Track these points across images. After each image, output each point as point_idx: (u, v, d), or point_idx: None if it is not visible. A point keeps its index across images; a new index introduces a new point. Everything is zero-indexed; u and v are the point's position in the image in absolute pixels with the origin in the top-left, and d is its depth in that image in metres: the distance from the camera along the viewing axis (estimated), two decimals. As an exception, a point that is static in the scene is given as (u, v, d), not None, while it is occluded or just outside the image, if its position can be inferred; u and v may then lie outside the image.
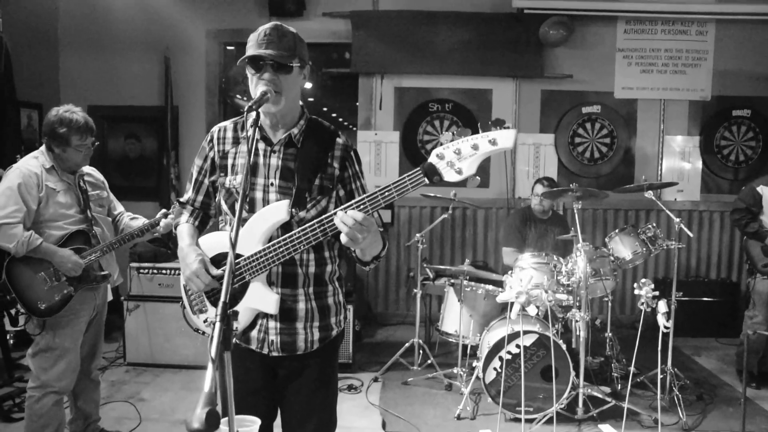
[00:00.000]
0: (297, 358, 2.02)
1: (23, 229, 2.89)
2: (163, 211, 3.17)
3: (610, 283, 4.21)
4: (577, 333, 3.94)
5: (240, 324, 1.98)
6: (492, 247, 5.96)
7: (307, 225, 1.83)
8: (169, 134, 5.84)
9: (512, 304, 3.36)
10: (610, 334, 4.52)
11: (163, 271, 4.72)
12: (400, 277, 6.04)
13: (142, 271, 4.72)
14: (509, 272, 4.29)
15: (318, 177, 1.97)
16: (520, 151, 5.90)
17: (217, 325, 1.27)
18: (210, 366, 1.22)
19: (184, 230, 2.12)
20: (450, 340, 4.54)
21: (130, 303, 4.69)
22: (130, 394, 4.23)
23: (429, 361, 4.59)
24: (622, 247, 4.30)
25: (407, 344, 4.66)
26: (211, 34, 5.98)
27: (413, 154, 5.91)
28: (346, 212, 1.73)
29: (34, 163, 2.99)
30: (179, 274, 4.52)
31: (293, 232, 1.84)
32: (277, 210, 1.90)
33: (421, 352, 4.69)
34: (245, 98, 6.01)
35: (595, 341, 4.50)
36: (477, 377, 3.88)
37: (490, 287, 4.39)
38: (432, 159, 1.71)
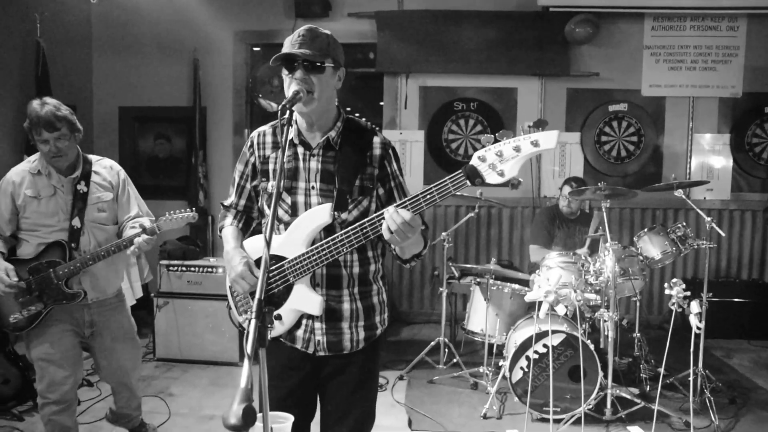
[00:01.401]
0: (342, 357, 2.05)
1: None
2: (139, 231, 2.82)
3: (639, 283, 4.17)
4: (605, 333, 3.90)
5: (285, 324, 2.01)
6: (517, 246, 5.93)
7: (349, 228, 1.85)
8: (197, 134, 5.92)
9: (540, 303, 3.37)
10: (638, 335, 4.46)
11: (192, 269, 4.79)
12: (425, 276, 6.04)
13: (171, 268, 4.80)
14: (536, 271, 4.26)
15: (358, 178, 1.98)
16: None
17: (253, 322, 1.30)
18: (246, 362, 1.24)
19: (228, 233, 2.16)
20: (475, 339, 4.53)
21: (160, 300, 4.77)
22: (160, 389, 4.31)
23: (454, 360, 4.58)
24: (651, 247, 4.25)
25: (432, 343, 4.66)
26: (239, 36, 6.05)
27: (438, 153, 5.91)
28: (390, 213, 1.74)
29: (21, 168, 2.89)
30: (208, 272, 4.75)
31: (336, 234, 1.87)
32: (320, 213, 1.92)
33: (446, 350, 4.69)
34: (267, 100, 6.07)
35: (622, 341, 4.45)
36: (503, 377, 3.87)
37: (516, 286, 4.37)
38: (473, 161, 1.71)
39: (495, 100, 5.87)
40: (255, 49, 6.28)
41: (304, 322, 2.02)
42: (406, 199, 1.78)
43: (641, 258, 4.20)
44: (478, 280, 4.48)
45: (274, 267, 1.98)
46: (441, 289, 4.73)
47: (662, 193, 4.89)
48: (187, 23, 5.95)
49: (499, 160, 1.68)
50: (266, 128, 2.12)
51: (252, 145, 2.10)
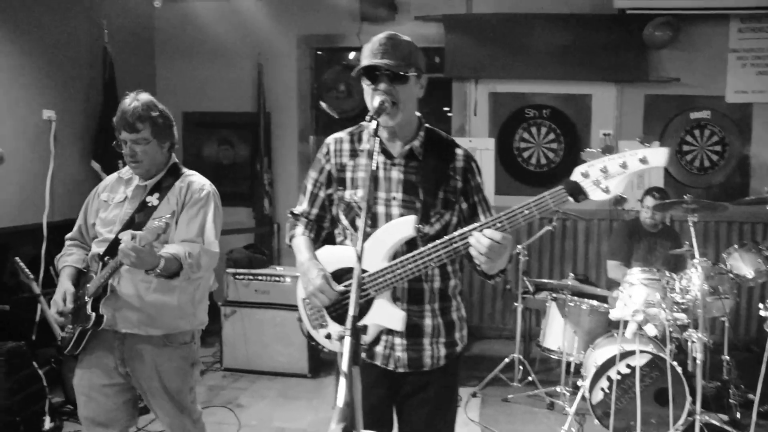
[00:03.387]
0: (422, 374, 1.99)
1: (78, 248, 2.59)
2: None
3: (729, 303, 3.93)
4: (693, 355, 3.71)
5: (364, 340, 1.94)
6: (593, 260, 5.70)
7: (438, 242, 1.78)
8: (262, 140, 5.91)
9: (625, 322, 3.21)
10: (727, 357, 4.22)
11: (259, 278, 4.76)
12: (497, 290, 5.86)
13: (238, 277, 4.78)
14: (619, 288, 4.08)
15: (441, 190, 1.93)
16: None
17: (347, 339, 1.24)
18: (342, 380, 1.20)
19: (301, 243, 2.08)
20: (552, 356, 4.37)
21: (227, 309, 4.75)
22: (228, 399, 4.28)
23: (530, 378, 4.43)
24: (743, 264, 4.00)
25: (507, 359, 4.52)
26: (303, 40, 6.01)
27: (509, 161, 5.74)
28: (482, 231, 1.69)
29: (118, 171, 2.64)
30: (275, 281, 4.70)
31: (422, 249, 1.80)
32: (404, 225, 1.85)
33: (521, 368, 4.53)
34: (331, 107, 6.01)
35: (709, 364, 4.21)
36: (583, 397, 3.71)
37: (595, 303, 4.20)
38: (575, 177, 1.66)
39: (568, 106, 5.66)
40: (319, 53, 6.24)
41: (383, 338, 1.97)
42: (501, 214, 1.71)
43: (732, 276, 3.97)
44: (555, 295, 4.33)
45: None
46: (516, 304, 4.58)
47: (750, 207, 4.60)
48: (251, 28, 5.95)
49: (603, 176, 1.63)
50: (343, 135, 2.05)
51: (328, 152, 2.05)
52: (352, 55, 6.30)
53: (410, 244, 1.87)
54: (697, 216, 3.85)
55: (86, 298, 2.39)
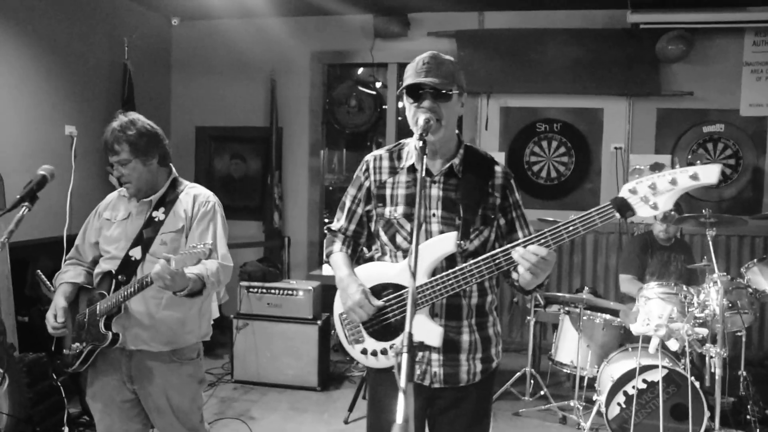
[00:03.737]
0: (457, 390, 1.99)
1: (74, 265, 2.58)
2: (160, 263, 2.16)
3: (748, 317, 3.90)
4: (712, 370, 3.67)
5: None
6: (602, 273, 5.66)
7: (481, 259, 1.80)
8: (274, 155, 5.93)
9: (638, 336, 3.17)
10: (744, 373, 4.16)
11: (272, 291, 4.75)
12: (504, 303, 5.83)
13: (251, 290, 4.77)
14: (633, 301, 4.05)
15: (481, 207, 1.95)
16: (633, 174, 5.59)
17: (405, 356, 1.25)
18: (401, 396, 1.19)
19: (339, 259, 2.12)
20: (564, 370, 4.33)
21: (239, 321, 4.74)
22: (240, 411, 4.26)
23: (542, 393, 4.38)
24: (762, 279, 3.96)
25: (518, 373, 4.47)
26: (316, 56, 6.06)
27: (519, 175, 5.68)
28: (526, 248, 1.71)
29: (118, 189, 2.63)
30: (288, 294, 4.68)
31: (464, 265, 1.83)
32: (445, 241, 1.87)
33: (532, 382, 4.49)
34: (339, 124, 6.04)
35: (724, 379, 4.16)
36: (598, 412, 3.68)
37: (608, 317, 4.17)
38: (623, 194, 1.67)
39: (580, 120, 5.66)
40: (331, 68, 6.28)
41: (420, 353, 1.97)
42: (546, 230, 1.72)
43: (750, 290, 3.93)
44: (568, 309, 4.29)
45: (392, 296, 1.96)
46: (528, 318, 4.54)
47: (765, 221, 4.56)
48: (265, 44, 6.01)
49: (652, 193, 1.64)
50: (382, 152, 2.09)
51: (367, 169, 2.08)
52: (360, 70, 6.35)
53: (449, 260, 1.89)
54: (715, 230, 3.84)
55: (97, 317, 2.37)
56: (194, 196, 2.51)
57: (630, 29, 5.30)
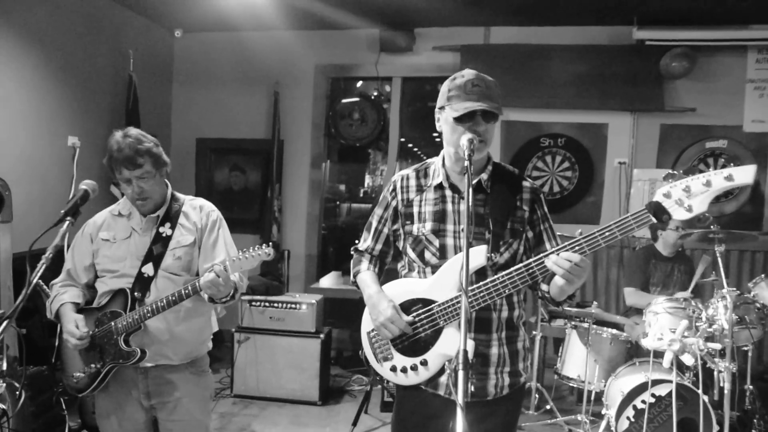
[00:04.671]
0: (485, 404, 1.98)
1: (71, 287, 2.51)
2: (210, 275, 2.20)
3: (756, 332, 3.90)
4: (720, 384, 3.67)
5: (430, 370, 1.95)
6: (602, 286, 5.64)
7: (513, 269, 1.81)
8: (274, 167, 5.89)
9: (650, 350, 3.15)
10: (750, 387, 4.15)
11: (275, 305, 4.70)
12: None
13: (254, 303, 4.72)
14: (638, 315, 4.05)
15: (509, 221, 1.96)
16: (634, 187, 5.60)
17: (461, 373, 1.27)
18: (459, 413, 1.24)
19: (368, 277, 2.15)
20: (571, 384, 4.31)
21: (241, 335, 4.68)
22: (241, 426, 4.20)
23: (547, 407, 4.35)
24: (768, 294, 3.97)
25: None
26: (320, 69, 6.05)
27: (522, 189, 5.70)
28: (559, 255, 1.72)
29: (106, 210, 2.57)
30: (290, 308, 4.63)
31: (495, 277, 1.84)
32: (476, 255, 1.87)
33: (536, 396, 4.45)
34: (342, 138, 6.03)
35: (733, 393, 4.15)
36: (608, 428, 3.67)
37: (615, 331, 4.17)
38: (657, 198, 1.68)
39: (584, 136, 5.66)
40: (335, 81, 6.27)
41: (447, 367, 1.96)
42: (580, 238, 1.73)
43: (758, 306, 3.94)
44: (575, 323, 4.27)
45: (422, 311, 1.96)
46: (534, 332, 4.52)
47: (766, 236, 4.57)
48: (269, 57, 6.01)
49: (686, 195, 1.65)
50: (409, 172, 2.13)
51: (395, 189, 2.12)
52: (359, 83, 6.35)
53: (479, 274, 1.90)
54: (723, 246, 3.85)
55: (115, 335, 2.34)
56: (200, 207, 2.52)
57: (635, 45, 5.33)
